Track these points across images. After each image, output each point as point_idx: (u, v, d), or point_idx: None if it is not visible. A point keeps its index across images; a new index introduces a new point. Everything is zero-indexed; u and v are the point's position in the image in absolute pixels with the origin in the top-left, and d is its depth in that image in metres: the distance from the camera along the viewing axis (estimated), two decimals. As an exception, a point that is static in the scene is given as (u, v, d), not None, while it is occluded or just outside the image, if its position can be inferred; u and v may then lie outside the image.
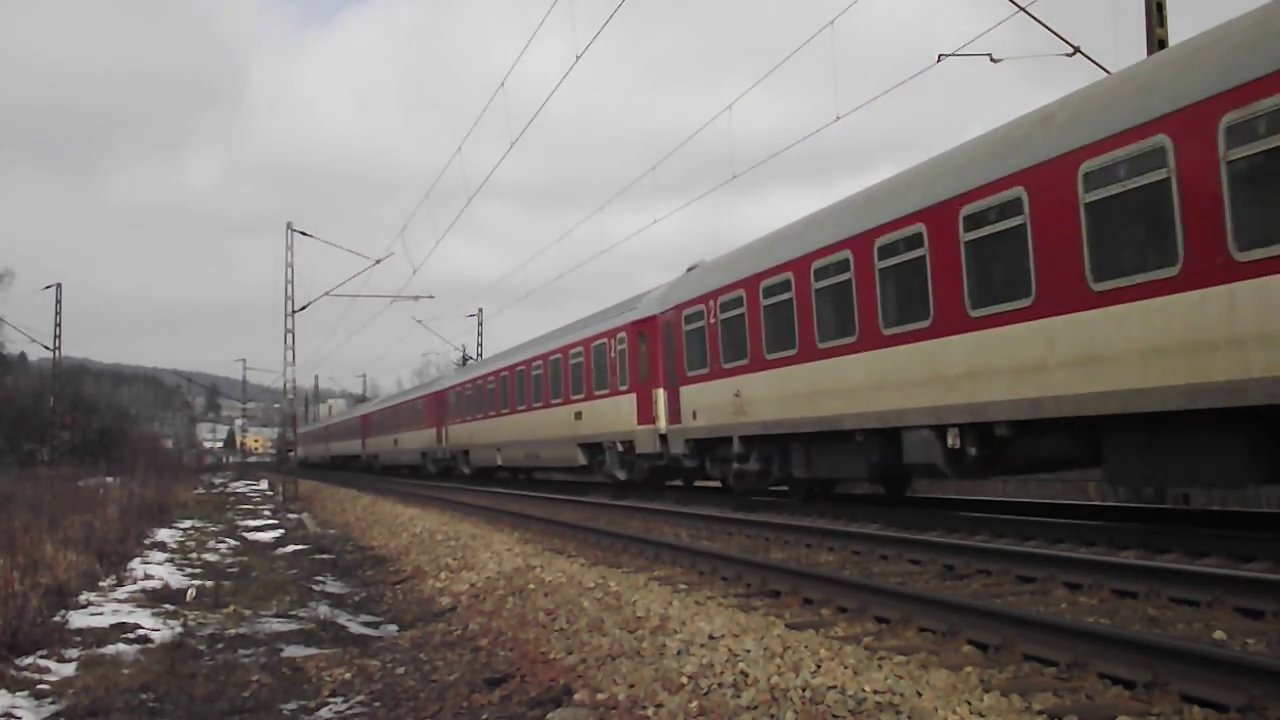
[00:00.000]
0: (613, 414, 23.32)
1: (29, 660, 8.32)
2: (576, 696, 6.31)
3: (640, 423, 21.74)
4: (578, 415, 25.54)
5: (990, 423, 11.58)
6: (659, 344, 20.98)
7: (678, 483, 23.67)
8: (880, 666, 5.68)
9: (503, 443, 32.14)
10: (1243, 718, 4.58)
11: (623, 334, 23.07)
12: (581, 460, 25.67)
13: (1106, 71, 14.83)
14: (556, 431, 27.05)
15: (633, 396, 22.24)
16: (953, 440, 12.15)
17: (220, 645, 9.41)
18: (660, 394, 20.76)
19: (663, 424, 20.71)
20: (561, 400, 26.88)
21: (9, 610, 8.83)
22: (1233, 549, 9.21)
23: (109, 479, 28.87)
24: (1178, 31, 14.94)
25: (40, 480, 28.62)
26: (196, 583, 13.32)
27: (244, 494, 42.66)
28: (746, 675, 5.78)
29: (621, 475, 23.65)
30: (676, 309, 19.96)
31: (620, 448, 23.27)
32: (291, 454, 40.55)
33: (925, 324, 12.52)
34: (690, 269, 21.00)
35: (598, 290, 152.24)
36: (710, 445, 19.09)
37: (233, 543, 20.09)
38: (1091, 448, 10.79)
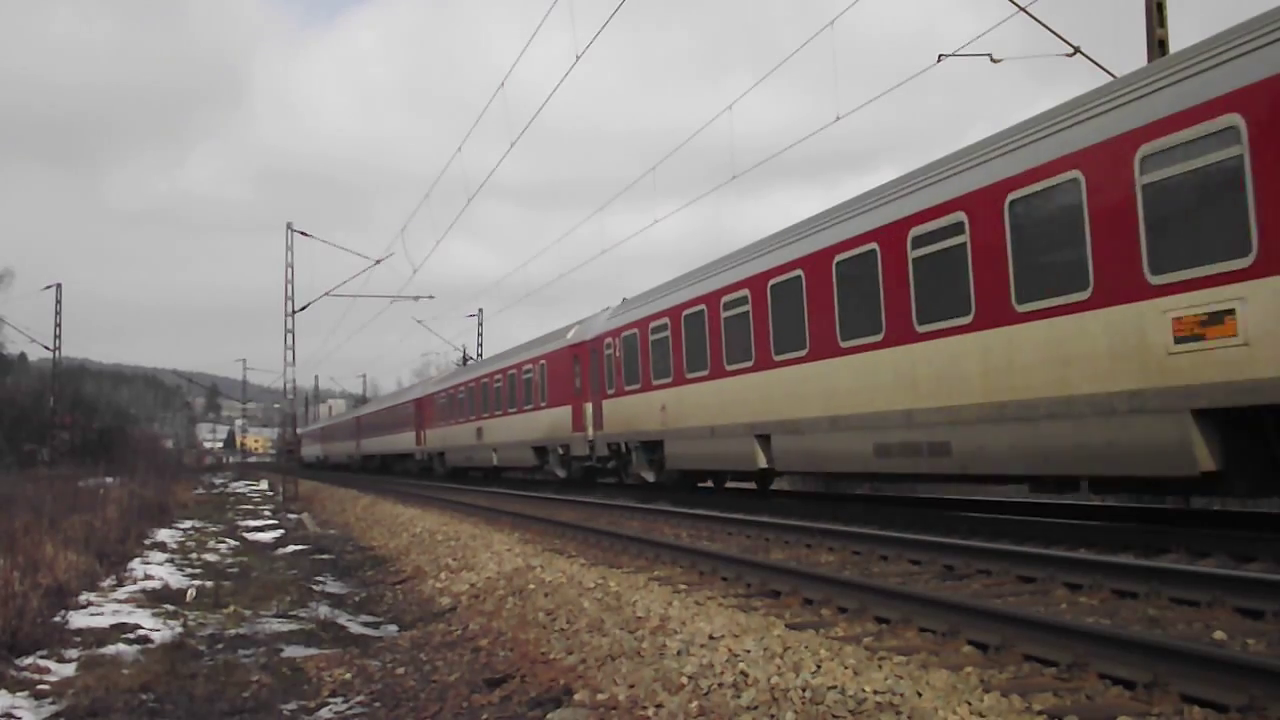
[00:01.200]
0: None
1: (29, 660, 8.32)
2: (576, 697, 6.31)
3: None
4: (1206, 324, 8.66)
5: None
6: None
7: None
8: (880, 667, 5.68)
9: (787, 420, 15.52)
10: (1243, 718, 4.58)
11: None
12: (1204, 463, 8.81)
13: (1107, 71, 14.90)
14: (1051, 380, 10.37)
15: None
16: None
17: (220, 645, 9.41)
18: None
19: None
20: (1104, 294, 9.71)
21: (9, 610, 8.84)
22: (1233, 549, 9.21)
23: (109, 479, 28.87)
24: (1178, 32, 14.94)
25: (40, 480, 28.63)
26: (196, 583, 13.32)
27: (244, 494, 42.65)
28: (746, 675, 5.78)
29: None
30: None
31: None
32: (292, 454, 40.55)
33: None
34: None
35: (598, 290, 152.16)
36: None
37: (233, 543, 20.09)
38: None
